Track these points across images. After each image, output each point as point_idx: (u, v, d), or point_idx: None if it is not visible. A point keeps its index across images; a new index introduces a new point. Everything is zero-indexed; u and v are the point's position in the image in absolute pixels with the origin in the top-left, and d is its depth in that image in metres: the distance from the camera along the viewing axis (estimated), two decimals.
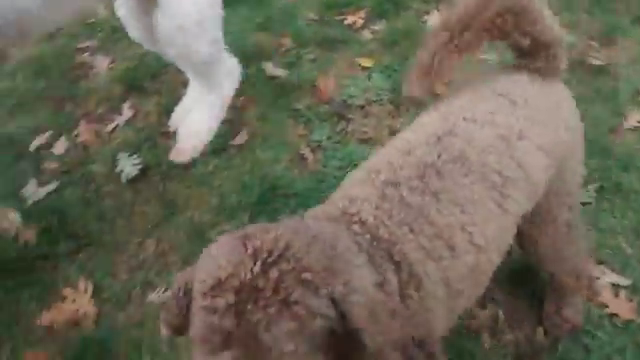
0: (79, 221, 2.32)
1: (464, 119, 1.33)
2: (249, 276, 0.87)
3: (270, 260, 0.89)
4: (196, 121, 2.53)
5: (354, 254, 1.05)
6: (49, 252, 2.21)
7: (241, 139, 2.58)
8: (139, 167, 2.49)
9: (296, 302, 0.87)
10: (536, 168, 1.35)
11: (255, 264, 0.88)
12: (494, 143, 1.30)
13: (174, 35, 2.22)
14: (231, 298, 0.86)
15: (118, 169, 2.51)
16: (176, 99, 2.74)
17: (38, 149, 2.68)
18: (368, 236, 1.15)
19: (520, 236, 1.60)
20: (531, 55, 1.43)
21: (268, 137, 2.58)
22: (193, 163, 2.50)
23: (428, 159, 1.26)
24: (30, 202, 2.42)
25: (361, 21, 3.16)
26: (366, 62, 2.88)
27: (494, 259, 1.34)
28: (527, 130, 1.35)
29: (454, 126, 1.32)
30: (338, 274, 0.94)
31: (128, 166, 2.51)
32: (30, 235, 2.26)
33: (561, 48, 1.44)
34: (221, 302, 0.87)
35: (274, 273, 0.87)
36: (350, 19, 3.17)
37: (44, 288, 2.11)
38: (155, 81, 2.96)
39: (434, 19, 3.08)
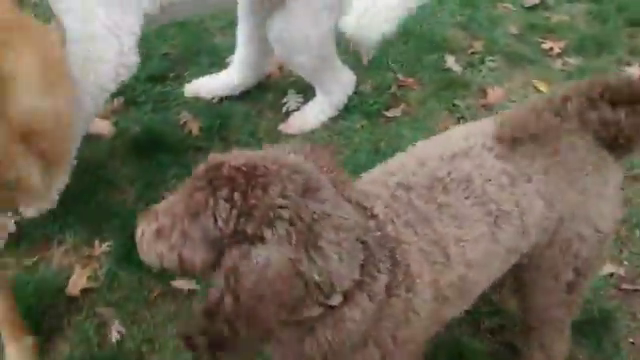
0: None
1: (482, 145, 1.40)
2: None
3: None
4: (307, 110, 2.74)
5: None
6: None
7: (393, 113, 2.76)
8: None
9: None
10: (531, 213, 1.38)
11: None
12: (499, 176, 1.36)
13: (278, 48, 2.49)
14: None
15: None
16: None
17: None
18: (379, 234, 1.23)
19: (517, 281, 1.64)
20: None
21: (418, 119, 2.72)
22: (342, 116, 2.73)
23: (439, 174, 1.35)
24: None
25: (558, 50, 3.13)
26: (542, 86, 2.88)
27: (480, 281, 1.41)
28: (538, 175, 1.39)
29: (470, 149, 1.39)
30: (268, 227, 1.02)
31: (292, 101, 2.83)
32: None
33: None
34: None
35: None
36: (548, 44, 3.16)
37: None
38: None
39: (635, 71, 2.96)
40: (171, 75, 2.99)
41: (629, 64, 3.04)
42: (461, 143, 1.42)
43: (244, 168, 1.06)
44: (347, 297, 1.16)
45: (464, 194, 1.34)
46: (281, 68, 2.99)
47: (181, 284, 2.10)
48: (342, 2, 2.36)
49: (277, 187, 1.04)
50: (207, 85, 2.84)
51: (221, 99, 2.83)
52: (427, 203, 1.32)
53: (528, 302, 1.68)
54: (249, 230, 1.02)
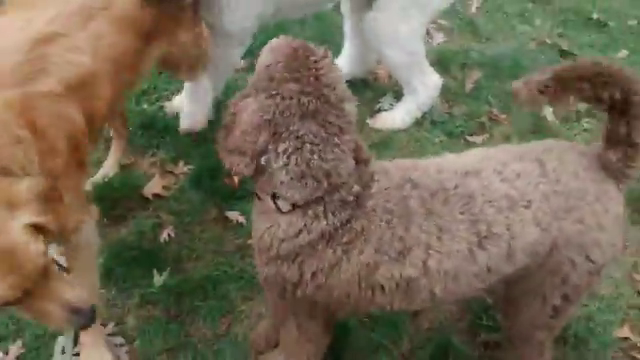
0: None
1: (494, 170, 1.51)
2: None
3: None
4: (396, 111, 2.93)
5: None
6: None
7: (475, 139, 2.91)
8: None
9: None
10: (521, 238, 1.47)
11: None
12: (500, 200, 1.46)
13: (370, 39, 2.70)
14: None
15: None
16: None
17: None
18: (350, 198, 1.44)
19: (505, 298, 1.72)
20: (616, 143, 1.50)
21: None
22: (427, 128, 2.93)
23: (447, 185, 1.48)
24: None
25: None
26: None
27: (436, 292, 1.50)
28: (536, 202, 1.47)
29: (483, 170, 1.50)
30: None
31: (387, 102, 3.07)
32: None
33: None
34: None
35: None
36: None
37: None
38: None
39: None
40: None
41: None
42: (477, 164, 1.53)
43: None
44: (291, 212, 1.42)
45: (461, 209, 1.46)
46: (390, 76, 3.23)
47: (233, 215, 2.39)
48: (433, 2, 2.60)
49: (299, 84, 1.32)
50: None
51: None
52: (420, 206, 1.46)
53: (513, 320, 1.75)
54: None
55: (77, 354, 1.93)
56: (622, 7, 4.16)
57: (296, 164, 1.34)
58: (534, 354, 1.80)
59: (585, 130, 3.05)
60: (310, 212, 1.41)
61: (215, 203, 2.46)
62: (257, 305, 2.14)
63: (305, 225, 1.42)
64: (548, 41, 3.68)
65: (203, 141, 2.69)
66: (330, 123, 1.34)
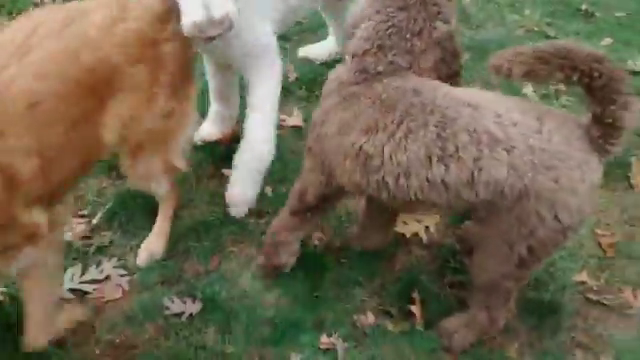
0: None
1: (495, 112, 1.68)
2: None
3: None
4: None
5: None
6: None
7: None
8: None
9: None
10: (488, 172, 1.65)
11: None
12: (482, 134, 1.65)
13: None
14: None
15: None
16: None
17: None
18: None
19: (475, 240, 1.92)
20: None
21: None
22: None
23: (441, 103, 1.70)
24: None
25: None
26: None
27: (388, 181, 1.76)
28: (519, 150, 1.63)
29: (483, 108, 1.68)
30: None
31: None
32: None
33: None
34: None
35: None
36: None
37: None
38: None
39: None
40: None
41: None
42: (482, 101, 1.71)
43: None
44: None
45: (436, 123, 1.67)
46: None
47: (228, 172, 2.62)
48: None
49: None
50: (315, 50, 3.40)
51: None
52: (406, 108, 1.70)
53: (481, 267, 1.90)
54: None
55: (85, 282, 2.20)
56: (611, 0, 4.35)
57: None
58: (500, 302, 1.95)
59: (564, 106, 3.23)
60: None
61: (212, 161, 2.70)
62: (246, 247, 2.38)
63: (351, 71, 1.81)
64: (536, 29, 3.88)
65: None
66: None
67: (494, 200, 1.71)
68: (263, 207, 2.50)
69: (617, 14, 4.15)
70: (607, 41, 3.81)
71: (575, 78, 1.59)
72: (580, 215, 1.69)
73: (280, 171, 2.61)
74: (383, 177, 1.76)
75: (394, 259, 2.35)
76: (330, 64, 3.22)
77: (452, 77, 1.85)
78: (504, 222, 1.75)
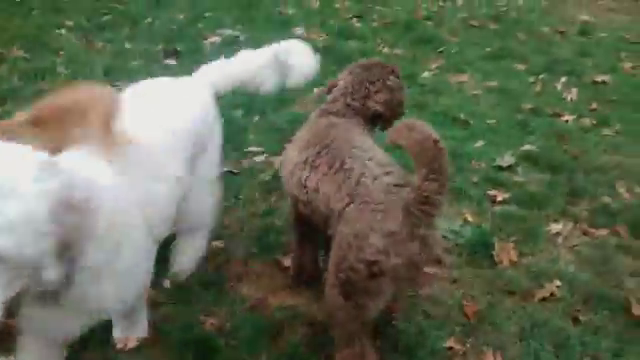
0: None
1: None
2: None
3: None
4: None
5: None
6: None
7: None
8: None
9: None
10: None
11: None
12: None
13: None
14: None
15: None
16: None
17: None
18: None
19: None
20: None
21: None
22: None
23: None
24: None
25: (500, 198, 3.71)
26: (471, 218, 3.48)
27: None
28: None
29: None
30: None
31: None
32: None
33: None
34: None
35: None
36: (493, 192, 3.76)
37: None
38: None
39: (559, 227, 3.46)
40: None
41: (556, 221, 3.57)
42: None
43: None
44: None
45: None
46: None
47: None
48: None
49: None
50: None
51: None
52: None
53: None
54: None
55: None
56: (484, 110, 4.99)
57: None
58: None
59: None
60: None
61: None
62: None
63: None
64: None
65: None
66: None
67: None
68: None
69: (488, 121, 4.76)
70: (480, 143, 4.36)
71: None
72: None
73: None
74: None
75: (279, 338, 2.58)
76: None
77: (395, 117, 2.61)
78: None
